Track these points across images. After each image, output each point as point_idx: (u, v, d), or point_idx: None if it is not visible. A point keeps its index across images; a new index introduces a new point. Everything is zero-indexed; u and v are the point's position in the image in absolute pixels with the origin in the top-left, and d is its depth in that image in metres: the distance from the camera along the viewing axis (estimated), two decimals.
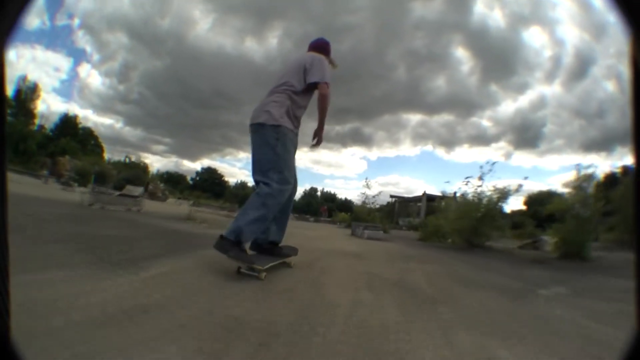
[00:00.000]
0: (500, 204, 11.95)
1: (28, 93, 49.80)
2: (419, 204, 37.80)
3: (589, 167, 9.98)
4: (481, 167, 12.53)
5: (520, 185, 12.23)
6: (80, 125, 54.72)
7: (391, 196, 37.31)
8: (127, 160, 53.69)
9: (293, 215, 33.29)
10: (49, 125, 52.04)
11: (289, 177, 3.80)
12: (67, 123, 52.88)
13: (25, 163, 38.63)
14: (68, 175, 33.36)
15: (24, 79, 48.41)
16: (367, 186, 22.20)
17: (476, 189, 12.45)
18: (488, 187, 12.02)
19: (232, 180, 64.83)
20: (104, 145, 56.38)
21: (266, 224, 3.87)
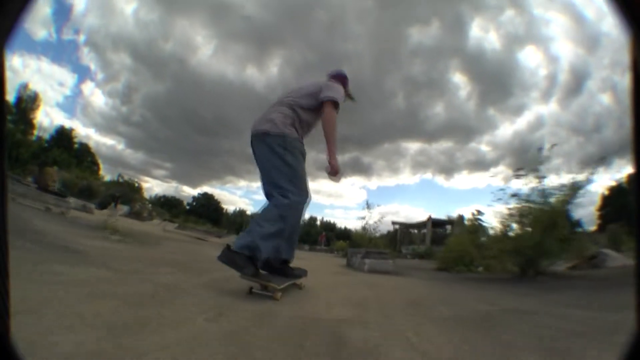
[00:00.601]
0: (568, 205, 7.73)
1: (28, 102, 47.35)
2: (423, 231, 33.78)
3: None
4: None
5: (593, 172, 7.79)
6: (76, 140, 51.77)
7: (393, 222, 33.01)
8: (120, 179, 50.40)
9: None
10: (46, 137, 49.16)
11: (305, 188, 3.47)
12: (63, 135, 49.97)
13: (13, 169, 35.17)
14: (53, 186, 29.79)
15: (25, 86, 45.93)
16: (368, 209, 19.11)
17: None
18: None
19: (231, 208, 61.29)
20: (101, 164, 53.33)
21: (283, 240, 3.37)
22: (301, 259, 12.76)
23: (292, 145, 3.41)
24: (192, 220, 43.43)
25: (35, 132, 49.45)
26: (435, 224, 31.40)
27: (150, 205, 38.59)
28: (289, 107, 3.58)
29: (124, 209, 30.91)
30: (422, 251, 23.81)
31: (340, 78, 4.16)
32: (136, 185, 50.30)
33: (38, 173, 34.74)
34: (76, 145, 52.16)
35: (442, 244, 26.90)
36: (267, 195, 3.48)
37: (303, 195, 3.44)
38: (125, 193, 37.56)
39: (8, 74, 0.65)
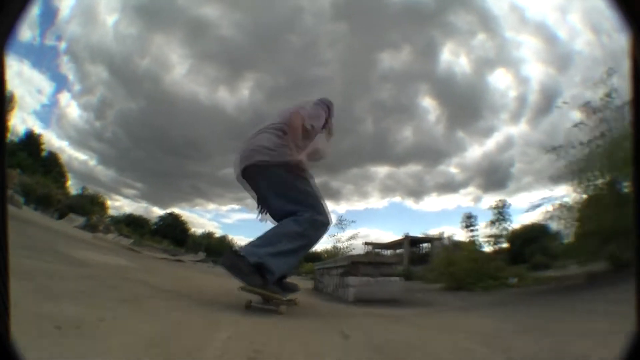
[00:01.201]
0: None
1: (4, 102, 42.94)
2: (398, 250, 30.44)
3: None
4: None
5: None
6: (44, 147, 47.36)
7: (365, 243, 29.28)
8: (84, 192, 46.15)
9: None
10: (15, 140, 45.07)
11: (325, 210, 3.10)
12: (31, 140, 45.46)
13: None
14: (13, 190, 27.72)
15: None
16: (340, 224, 16.25)
17: None
18: None
19: (199, 230, 56.99)
20: (70, 177, 49.14)
21: (298, 261, 3.21)
22: None
23: (298, 170, 3.00)
24: (154, 239, 39.43)
25: (8, 135, 44.52)
26: (413, 242, 28.27)
27: (108, 219, 34.73)
28: (275, 132, 3.12)
29: (80, 220, 28.22)
30: (400, 271, 20.01)
31: (326, 103, 3.74)
32: (100, 200, 45.84)
33: None
34: (44, 153, 47.55)
35: (422, 263, 24.33)
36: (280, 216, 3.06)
37: (324, 216, 3.03)
38: (84, 205, 34.66)
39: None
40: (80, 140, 58.43)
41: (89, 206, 35.37)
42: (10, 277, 0.64)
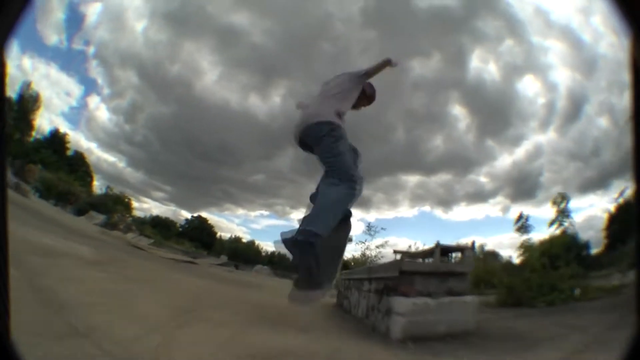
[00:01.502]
0: None
1: (29, 102, 42.77)
2: (428, 259, 27.31)
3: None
4: None
5: None
6: (69, 145, 46.71)
7: (395, 251, 26.67)
8: (109, 191, 45.07)
9: (272, 271, 25.24)
10: (41, 138, 44.51)
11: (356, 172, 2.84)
12: (56, 139, 44.84)
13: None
14: (33, 184, 27.08)
15: (28, 85, 41.36)
16: (369, 231, 14.10)
17: None
18: None
19: (226, 235, 55.36)
20: (96, 177, 47.98)
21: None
22: (286, 288, 8.60)
23: (339, 134, 2.77)
24: (179, 241, 37.89)
25: (34, 133, 44.52)
26: (443, 251, 25.48)
27: (130, 219, 33.21)
28: (332, 97, 2.99)
29: (100, 218, 27.05)
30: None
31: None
32: (125, 200, 44.76)
33: (19, 168, 31.81)
34: (70, 152, 46.95)
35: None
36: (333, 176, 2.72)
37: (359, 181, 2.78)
38: (106, 204, 33.26)
39: (17, 73, 0.70)
40: (109, 142, 58.19)
41: (111, 205, 33.78)
42: (10, 277, 0.64)
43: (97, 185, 48.21)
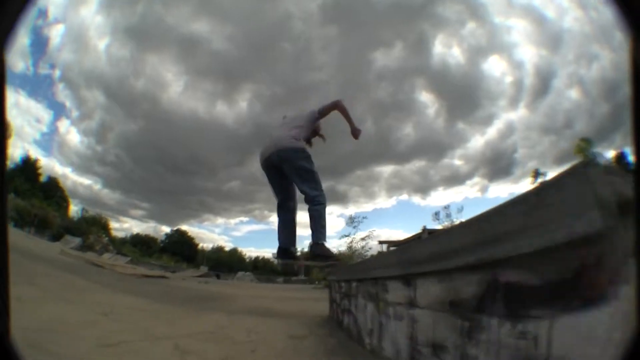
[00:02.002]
0: None
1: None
2: None
3: None
4: None
5: None
6: (40, 171, 44.08)
7: (380, 242, 24.90)
8: (85, 213, 42.45)
9: (255, 277, 23.74)
10: (11, 166, 41.74)
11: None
12: (27, 165, 41.94)
13: None
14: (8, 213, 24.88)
15: None
16: (352, 223, 14.17)
17: None
18: None
19: (208, 245, 53.18)
20: (71, 201, 45.53)
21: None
22: (261, 297, 8.04)
23: (310, 155, 3.24)
24: (159, 257, 35.72)
25: (7, 163, 41.46)
26: (431, 235, 23.91)
27: (106, 239, 31.00)
28: (296, 128, 3.31)
29: (76, 241, 25.04)
30: None
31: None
32: (102, 221, 41.79)
33: None
34: (43, 178, 44.11)
35: None
36: (304, 192, 3.15)
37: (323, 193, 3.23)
38: (81, 227, 31.78)
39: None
40: (83, 165, 54.80)
41: (86, 227, 31.59)
42: (9, 278, 0.61)
43: (74, 210, 45.62)
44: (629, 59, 0.55)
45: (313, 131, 3.51)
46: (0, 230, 0.61)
